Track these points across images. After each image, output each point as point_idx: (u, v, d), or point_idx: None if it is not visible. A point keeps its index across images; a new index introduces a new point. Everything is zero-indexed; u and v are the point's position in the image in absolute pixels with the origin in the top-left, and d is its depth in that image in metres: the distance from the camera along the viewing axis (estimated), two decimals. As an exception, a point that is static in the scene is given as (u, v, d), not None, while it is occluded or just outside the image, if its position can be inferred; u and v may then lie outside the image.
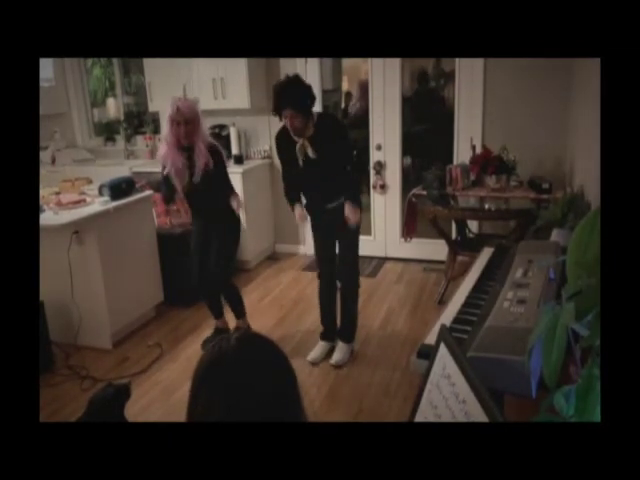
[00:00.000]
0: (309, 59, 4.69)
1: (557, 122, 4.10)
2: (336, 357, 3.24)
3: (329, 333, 3.37)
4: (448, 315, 1.89)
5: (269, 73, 4.85)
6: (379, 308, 3.99)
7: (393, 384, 3.00)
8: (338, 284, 3.32)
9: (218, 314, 3.55)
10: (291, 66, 4.72)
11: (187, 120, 3.02)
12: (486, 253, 2.50)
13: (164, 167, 3.15)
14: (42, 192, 3.72)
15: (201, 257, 3.35)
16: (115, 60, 5.68)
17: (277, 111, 2.87)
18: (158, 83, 4.94)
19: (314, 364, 3.23)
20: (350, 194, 3.04)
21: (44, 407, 2.82)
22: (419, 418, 1.28)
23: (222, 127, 4.98)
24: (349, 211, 3.00)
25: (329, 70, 5.66)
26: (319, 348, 3.34)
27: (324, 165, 2.99)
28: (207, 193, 3.19)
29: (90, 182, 4.27)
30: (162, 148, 3.18)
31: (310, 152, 2.95)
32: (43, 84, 5.19)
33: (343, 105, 6.34)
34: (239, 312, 3.51)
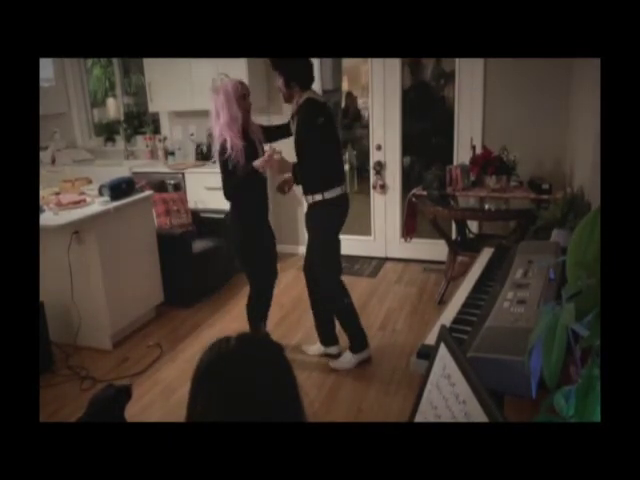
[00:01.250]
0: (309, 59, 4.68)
1: (557, 122, 4.10)
2: (334, 362, 3.21)
3: (320, 337, 3.33)
4: (448, 315, 1.89)
5: (269, 73, 4.84)
6: (379, 308, 3.99)
7: (393, 384, 3.00)
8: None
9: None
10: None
11: (249, 93, 2.99)
12: (486, 253, 2.50)
13: (227, 156, 2.85)
14: (42, 192, 3.72)
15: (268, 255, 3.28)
16: (115, 60, 5.68)
17: None
18: (158, 83, 4.94)
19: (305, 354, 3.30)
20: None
21: (44, 407, 2.82)
22: (419, 418, 1.27)
23: (222, 127, 4.97)
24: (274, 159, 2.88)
25: (329, 70, 5.66)
26: (315, 347, 3.35)
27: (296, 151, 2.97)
28: (264, 175, 3.06)
29: (90, 182, 4.26)
30: (223, 134, 2.89)
31: (292, 129, 2.99)
32: (43, 84, 5.19)
33: (343, 105, 6.34)
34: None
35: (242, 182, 2.95)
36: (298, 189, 3.16)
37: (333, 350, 3.29)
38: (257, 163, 2.90)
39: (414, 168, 5.27)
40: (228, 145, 2.85)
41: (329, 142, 3.01)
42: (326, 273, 3.14)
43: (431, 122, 5.31)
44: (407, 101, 4.72)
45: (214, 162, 3.94)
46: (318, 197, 2.99)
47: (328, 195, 2.98)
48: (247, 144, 2.91)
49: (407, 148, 4.86)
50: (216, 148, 2.96)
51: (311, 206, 3.05)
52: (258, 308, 3.32)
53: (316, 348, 3.34)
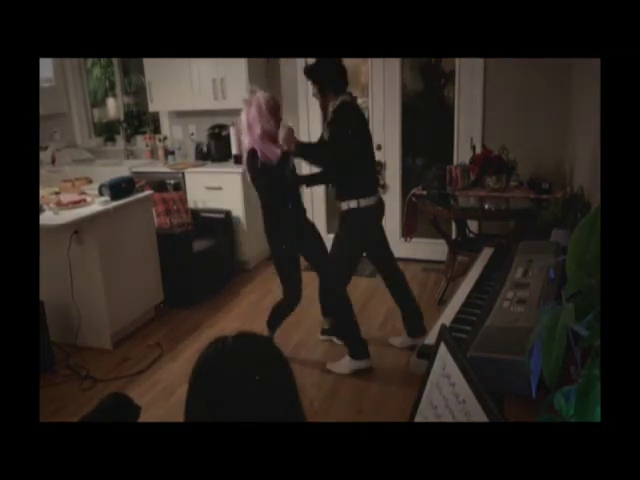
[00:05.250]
0: (309, 59, 4.69)
1: (557, 122, 4.10)
2: (332, 363, 3.17)
3: (406, 326, 3.41)
4: (448, 315, 1.89)
5: (269, 73, 4.85)
6: (379, 308, 3.98)
7: (393, 384, 3.00)
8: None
9: None
10: (291, 66, 4.72)
11: (280, 107, 3.00)
12: (486, 253, 2.50)
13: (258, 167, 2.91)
14: (42, 192, 3.72)
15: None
16: (115, 60, 5.68)
17: None
18: (158, 83, 4.94)
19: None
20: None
21: (44, 407, 2.82)
22: (419, 418, 1.27)
23: (222, 127, 4.98)
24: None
25: (329, 70, 5.66)
26: (400, 339, 3.42)
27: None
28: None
29: (90, 182, 4.27)
30: (255, 146, 2.91)
31: (326, 135, 3.00)
32: (43, 84, 5.18)
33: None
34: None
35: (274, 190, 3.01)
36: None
37: (417, 341, 3.26)
38: (280, 141, 2.91)
39: (414, 168, 5.27)
40: (260, 156, 2.88)
41: (364, 146, 2.99)
42: (333, 277, 3.10)
43: (431, 122, 5.30)
44: (407, 101, 4.72)
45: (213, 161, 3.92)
46: (353, 204, 2.95)
47: (364, 203, 2.95)
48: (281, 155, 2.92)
49: (407, 148, 4.86)
50: (245, 159, 3.01)
51: (345, 213, 3.00)
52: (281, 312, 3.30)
53: (401, 340, 3.38)
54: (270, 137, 2.89)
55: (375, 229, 3.14)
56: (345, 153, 2.87)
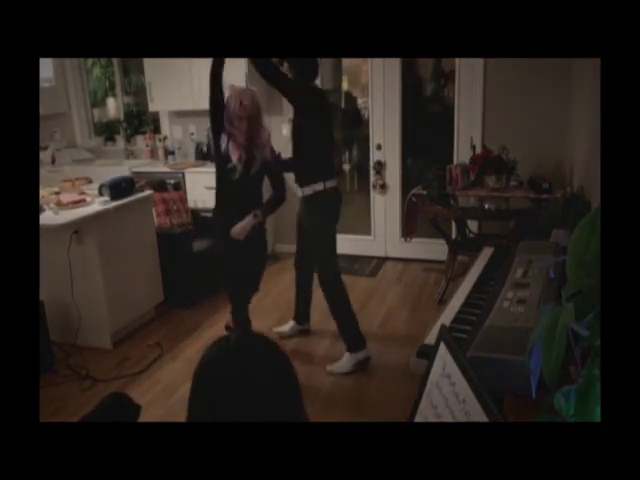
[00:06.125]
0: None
1: (557, 122, 4.10)
2: (331, 365, 3.17)
3: (306, 316, 3.59)
4: (448, 315, 1.90)
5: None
6: (379, 308, 3.98)
7: (393, 384, 3.00)
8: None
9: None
10: (291, 66, 4.72)
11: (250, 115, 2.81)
12: (486, 253, 2.50)
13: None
14: (42, 192, 3.72)
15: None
16: (115, 60, 5.68)
17: None
18: (158, 83, 4.94)
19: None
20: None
21: (44, 407, 2.82)
22: (419, 418, 1.28)
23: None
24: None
25: (329, 70, 5.66)
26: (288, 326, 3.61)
27: None
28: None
29: (90, 182, 4.27)
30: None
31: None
32: (43, 84, 5.19)
33: (343, 105, 6.33)
34: None
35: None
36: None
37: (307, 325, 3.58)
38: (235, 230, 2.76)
39: (414, 168, 5.28)
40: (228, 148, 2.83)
41: (323, 130, 3.03)
42: (330, 266, 3.16)
43: (431, 122, 5.31)
44: (407, 101, 4.72)
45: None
46: (319, 187, 2.97)
47: (330, 184, 3.01)
48: (247, 155, 2.81)
49: (407, 148, 4.86)
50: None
51: (312, 197, 3.00)
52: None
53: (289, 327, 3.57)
54: (233, 137, 2.81)
55: (337, 214, 3.15)
56: (308, 135, 2.95)
